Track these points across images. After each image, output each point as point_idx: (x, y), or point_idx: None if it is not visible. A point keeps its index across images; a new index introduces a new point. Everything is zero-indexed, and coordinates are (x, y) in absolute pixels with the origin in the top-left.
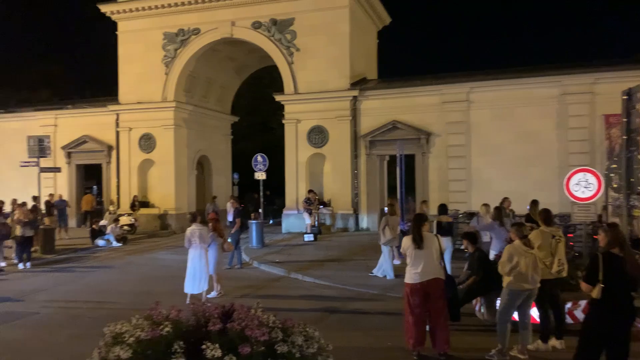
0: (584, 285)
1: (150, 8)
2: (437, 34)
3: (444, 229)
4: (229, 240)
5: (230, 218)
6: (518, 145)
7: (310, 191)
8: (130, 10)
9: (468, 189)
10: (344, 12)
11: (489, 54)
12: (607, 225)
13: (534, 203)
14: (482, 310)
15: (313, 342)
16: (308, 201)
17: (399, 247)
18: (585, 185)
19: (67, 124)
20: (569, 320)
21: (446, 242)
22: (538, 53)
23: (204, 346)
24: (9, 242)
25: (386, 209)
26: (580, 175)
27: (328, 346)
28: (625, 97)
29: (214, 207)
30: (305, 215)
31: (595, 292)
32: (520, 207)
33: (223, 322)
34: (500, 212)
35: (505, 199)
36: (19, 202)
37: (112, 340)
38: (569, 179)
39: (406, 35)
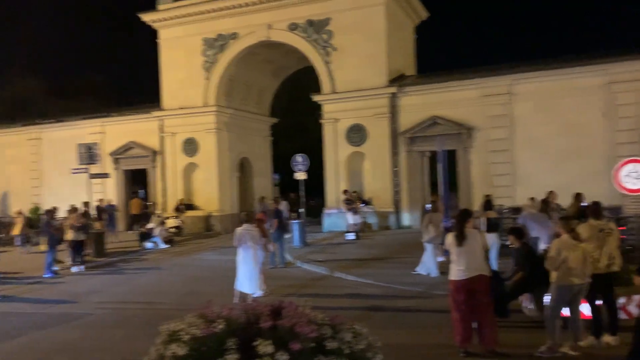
0: (637, 280)
1: (189, 15)
2: (476, 27)
3: (491, 225)
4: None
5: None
6: (563, 137)
7: (345, 191)
8: (171, 18)
9: (512, 183)
10: (379, 10)
11: (530, 45)
12: None
13: (577, 196)
14: (530, 307)
15: (362, 338)
16: (348, 201)
17: (442, 244)
18: (636, 177)
19: (113, 131)
20: (622, 315)
21: (493, 238)
22: (581, 43)
23: (256, 343)
24: (62, 246)
25: (428, 206)
26: (630, 167)
27: (377, 342)
28: None
29: (263, 207)
30: (349, 215)
31: None
32: (567, 201)
33: (273, 320)
34: (548, 205)
35: (550, 192)
36: (71, 207)
37: (168, 338)
38: (618, 170)
39: (444, 29)
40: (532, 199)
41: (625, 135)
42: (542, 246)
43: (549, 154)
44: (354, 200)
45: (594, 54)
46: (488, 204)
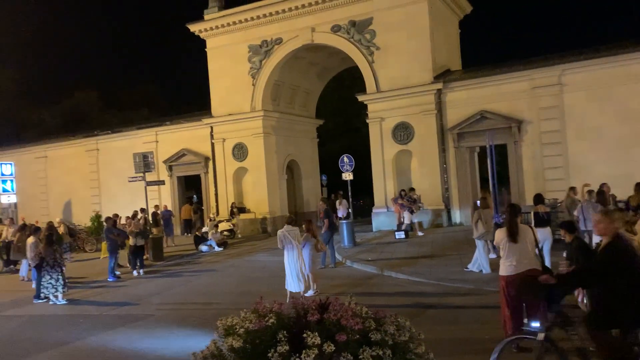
0: None
1: (234, 23)
2: (522, 18)
3: (542, 219)
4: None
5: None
6: (619, 126)
7: (402, 190)
8: (217, 27)
9: (566, 176)
10: (422, 6)
11: (578, 34)
12: None
13: (638, 186)
14: (585, 301)
15: (405, 330)
16: (410, 199)
17: (493, 240)
18: None
19: (166, 139)
20: None
21: (544, 233)
22: (630, 28)
23: (304, 334)
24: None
25: (479, 202)
26: None
27: (420, 335)
28: None
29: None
30: (406, 214)
31: None
32: (626, 192)
33: (320, 314)
34: (604, 196)
35: (604, 184)
36: (133, 214)
37: (224, 332)
38: None
39: (490, 22)
40: (573, 188)
41: None
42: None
43: (605, 144)
44: (414, 199)
45: None
46: (538, 198)
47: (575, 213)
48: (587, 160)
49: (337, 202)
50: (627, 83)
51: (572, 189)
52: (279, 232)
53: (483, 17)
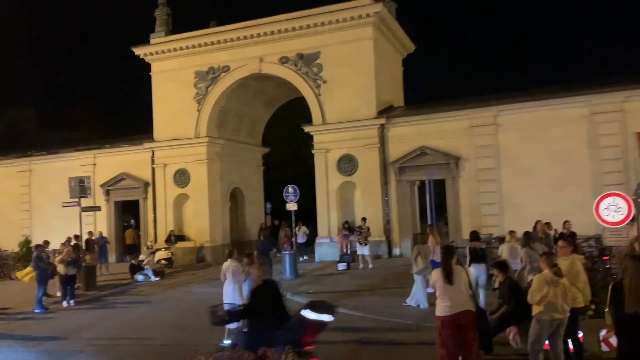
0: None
1: (181, 48)
2: (463, 58)
3: (477, 256)
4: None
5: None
6: (550, 166)
7: (345, 222)
8: (163, 52)
9: (500, 212)
10: (368, 44)
11: (516, 75)
12: (632, 256)
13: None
14: (516, 339)
15: None
16: (359, 230)
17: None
18: (615, 210)
19: (105, 163)
20: (604, 347)
21: (479, 269)
22: (565, 72)
23: None
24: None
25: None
26: (609, 200)
27: None
28: None
29: (286, 233)
30: (359, 246)
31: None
32: (558, 229)
33: None
34: (528, 237)
35: (537, 222)
36: (66, 240)
37: None
38: (598, 203)
39: (431, 61)
40: (512, 232)
41: (610, 164)
42: (527, 279)
43: (537, 183)
44: (364, 231)
45: (577, 85)
46: (474, 235)
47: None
48: (521, 198)
49: (297, 228)
50: (558, 125)
51: (512, 233)
52: (224, 264)
53: (425, 57)
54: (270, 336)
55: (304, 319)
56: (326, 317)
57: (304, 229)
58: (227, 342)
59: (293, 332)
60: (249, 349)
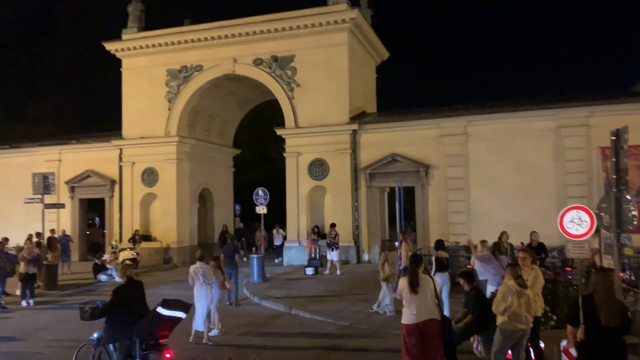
0: (569, 329)
1: (154, 46)
2: (435, 68)
3: (442, 264)
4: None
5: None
6: (516, 176)
7: (315, 227)
8: (134, 48)
9: (468, 220)
10: (342, 49)
11: (488, 85)
12: (598, 269)
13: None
14: (480, 348)
15: None
16: (331, 235)
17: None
18: (578, 223)
19: (71, 159)
20: (565, 358)
21: (443, 278)
22: (535, 84)
23: None
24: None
25: (397, 243)
26: (573, 213)
27: None
28: (613, 138)
29: (263, 234)
30: (330, 251)
31: (579, 334)
32: (522, 238)
33: None
34: (497, 247)
35: (503, 233)
36: (28, 237)
37: None
38: (562, 216)
39: (404, 69)
40: (483, 242)
41: (574, 177)
42: (490, 289)
43: (504, 193)
44: (333, 236)
45: (545, 99)
46: (439, 244)
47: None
48: (488, 207)
49: (275, 231)
50: (524, 137)
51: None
52: (192, 267)
53: (399, 64)
54: (126, 330)
55: (157, 315)
56: (179, 314)
57: (281, 231)
58: (95, 335)
59: (148, 326)
60: (108, 341)
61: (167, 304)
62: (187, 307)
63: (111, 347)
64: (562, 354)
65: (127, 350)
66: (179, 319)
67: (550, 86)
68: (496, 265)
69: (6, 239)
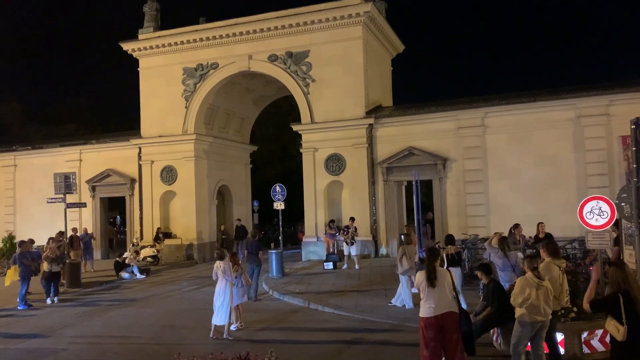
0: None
1: (170, 45)
2: (451, 59)
3: (453, 260)
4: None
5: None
6: (536, 168)
7: (331, 221)
8: (151, 47)
9: (486, 213)
10: (357, 43)
11: (504, 76)
12: (616, 264)
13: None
14: (499, 341)
15: None
16: (346, 230)
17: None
18: (598, 213)
19: (91, 158)
20: (586, 350)
21: (456, 273)
22: (554, 75)
23: None
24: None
25: (402, 237)
26: (593, 203)
27: None
28: (633, 127)
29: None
30: (346, 246)
31: (621, 335)
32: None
33: None
34: (504, 242)
35: (516, 226)
36: (53, 237)
37: None
38: (582, 207)
39: (420, 62)
40: (497, 234)
41: (595, 167)
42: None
43: (523, 185)
44: (350, 230)
45: (564, 88)
46: (449, 239)
47: (485, 256)
48: (506, 199)
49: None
50: (544, 128)
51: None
52: (217, 263)
53: (415, 57)
54: None
55: None
56: None
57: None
58: None
59: None
60: None
61: None
62: None
63: None
64: (583, 345)
65: None
66: None
67: (569, 79)
68: (504, 261)
69: (32, 241)
